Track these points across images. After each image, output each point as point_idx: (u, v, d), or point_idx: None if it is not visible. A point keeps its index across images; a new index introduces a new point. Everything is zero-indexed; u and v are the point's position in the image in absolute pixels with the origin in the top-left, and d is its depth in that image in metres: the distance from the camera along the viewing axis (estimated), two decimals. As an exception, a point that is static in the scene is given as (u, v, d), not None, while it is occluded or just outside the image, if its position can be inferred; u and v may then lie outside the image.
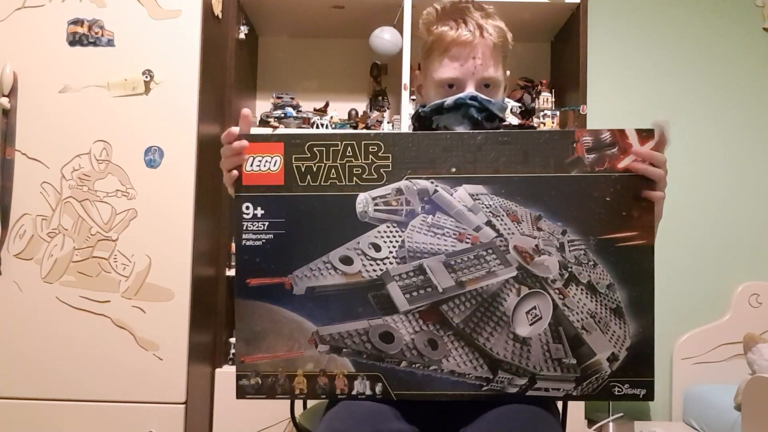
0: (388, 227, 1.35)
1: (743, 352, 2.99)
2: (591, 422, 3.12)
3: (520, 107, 3.10)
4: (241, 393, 1.36)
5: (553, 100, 3.15)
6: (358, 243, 1.34)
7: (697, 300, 3.44)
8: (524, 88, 3.20)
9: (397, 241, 1.34)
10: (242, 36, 3.04)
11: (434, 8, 1.71)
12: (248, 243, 1.36)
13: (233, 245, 2.84)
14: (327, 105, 3.26)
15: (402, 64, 2.95)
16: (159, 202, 2.49)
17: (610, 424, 3.11)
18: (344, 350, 1.33)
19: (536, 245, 1.34)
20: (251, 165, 1.37)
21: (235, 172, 1.39)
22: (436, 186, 1.35)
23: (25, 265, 2.48)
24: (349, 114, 3.27)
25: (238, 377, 1.36)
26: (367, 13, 3.11)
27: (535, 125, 3.04)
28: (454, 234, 1.34)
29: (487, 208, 1.34)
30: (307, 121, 3.11)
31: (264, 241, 1.36)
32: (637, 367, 1.33)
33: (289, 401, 1.76)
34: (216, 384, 2.85)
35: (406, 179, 1.35)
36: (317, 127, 3.11)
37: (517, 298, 1.32)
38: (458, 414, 1.39)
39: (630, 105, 3.50)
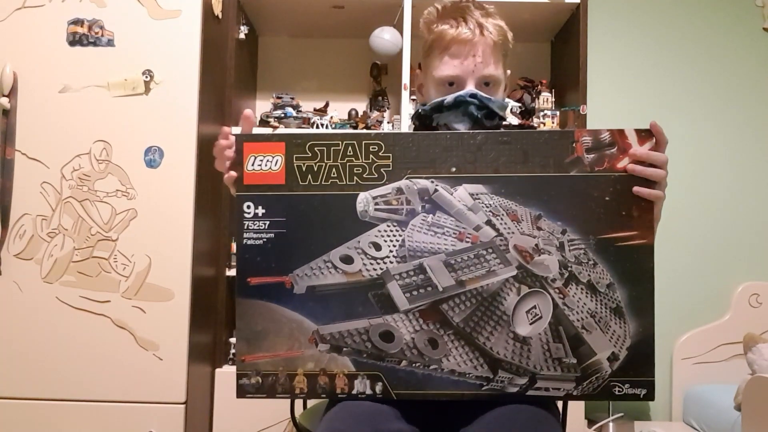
0: (389, 226, 1.35)
1: (743, 352, 2.99)
2: (591, 422, 3.12)
3: (520, 107, 3.10)
4: (242, 392, 1.36)
5: (553, 100, 3.15)
6: (359, 242, 1.35)
7: (697, 300, 3.44)
8: (524, 88, 3.20)
9: (397, 240, 1.34)
10: (242, 36, 3.04)
11: (435, 8, 1.72)
12: (249, 242, 1.36)
13: (233, 245, 2.86)
14: (327, 105, 3.26)
15: (402, 64, 2.95)
16: (159, 202, 2.49)
17: (610, 424, 3.11)
18: (344, 349, 1.33)
19: (536, 244, 1.34)
20: (252, 164, 1.38)
21: (233, 171, 1.40)
22: (437, 185, 1.35)
23: (25, 265, 2.48)
24: (349, 114, 3.27)
25: (239, 376, 1.36)
26: (367, 13, 3.11)
27: (535, 125, 3.04)
28: (454, 233, 1.34)
29: (487, 207, 1.35)
30: (307, 121, 3.12)
31: (265, 240, 1.36)
32: (638, 367, 1.33)
33: (289, 401, 1.76)
34: (216, 384, 2.85)
35: (407, 179, 1.36)
36: (317, 127, 3.11)
37: (517, 298, 1.33)
38: (458, 414, 1.39)
39: (630, 105, 3.50)
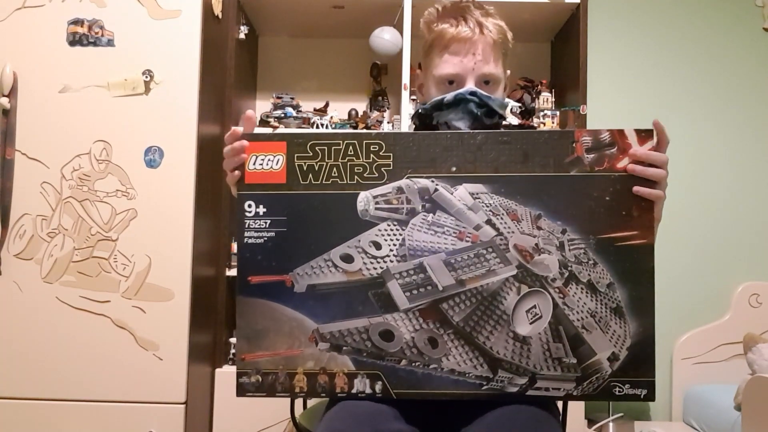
0: (389, 225, 1.35)
1: (743, 352, 2.99)
2: (591, 422, 3.12)
3: (520, 107, 3.10)
4: (242, 391, 1.36)
5: (553, 100, 3.15)
6: (359, 241, 1.35)
7: (697, 300, 3.44)
8: (524, 88, 3.20)
9: (397, 240, 1.34)
10: (242, 36, 3.04)
11: (435, 8, 1.73)
12: (250, 240, 1.37)
13: (233, 245, 2.86)
14: (327, 105, 3.26)
15: (402, 64, 2.95)
16: (159, 202, 2.49)
17: (610, 424, 3.11)
18: (344, 348, 1.33)
19: (536, 244, 1.34)
20: (254, 164, 1.38)
21: (237, 172, 1.41)
22: (437, 185, 1.36)
23: (25, 265, 2.48)
24: (349, 114, 3.27)
25: (239, 375, 1.36)
26: (367, 13, 3.11)
27: (535, 125, 3.04)
28: (454, 232, 1.35)
29: (487, 206, 1.35)
30: (307, 121, 3.12)
31: (266, 238, 1.36)
32: (638, 367, 1.33)
33: (288, 401, 1.76)
34: (216, 384, 2.85)
35: (407, 178, 1.36)
36: (317, 127, 3.11)
37: (517, 297, 1.32)
38: (458, 414, 1.39)
39: (630, 105, 3.50)
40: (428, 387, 1.33)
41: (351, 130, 3.12)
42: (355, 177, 1.36)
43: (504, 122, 1.75)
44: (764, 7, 3.55)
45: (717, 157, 3.52)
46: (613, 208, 1.34)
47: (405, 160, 1.36)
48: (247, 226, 1.37)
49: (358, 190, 1.36)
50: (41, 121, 2.49)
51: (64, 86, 2.50)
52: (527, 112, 3.10)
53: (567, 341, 1.32)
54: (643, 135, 1.35)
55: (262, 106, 3.38)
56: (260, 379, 1.36)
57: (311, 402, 1.93)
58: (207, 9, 2.63)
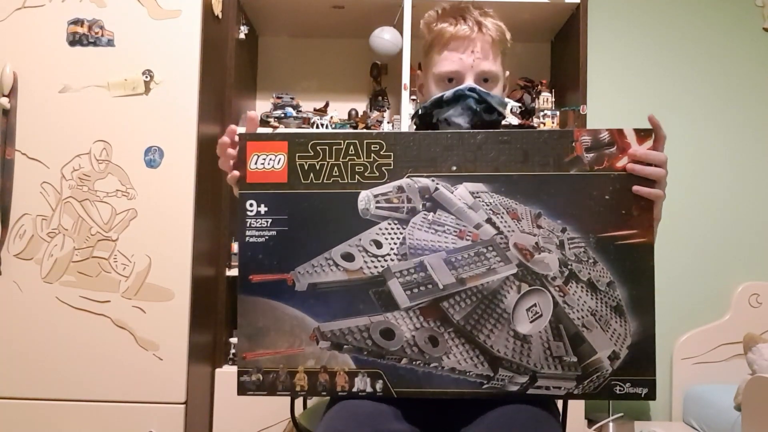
0: (390, 224, 1.35)
1: (743, 352, 3.00)
2: (591, 422, 3.12)
3: (520, 107, 3.10)
4: (242, 389, 1.37)
5: (553, 100, 3.15)
6: (360, 240, 1.35)
7: (697, 300, 3.45)
8: (524, 88, 3.20)
9: (398, 238, 1.35)
10: (242, 36, 3.04)
11: (435, 10, 1.75)
12: (251, 239, 1.37)
13: (233, 245, 2.86)
14: (327, 105, 3.26)
15: (402, 64, 2.95)
16: (159, 202, 2.49)
17: (610, 424, 3.11)
18: (345, 347, 1.34)
19: (536, 243, 1.34)
20: (255, 163, 1.39)
21: (237, 171, 1.41)
22: (437, 184, 1.36)
23: (25, 265, 2.48)
24: (349, 114, 3.27)
25: (240, 373, 1.36)
26: (367, 13, 3.12)
27: (535, 125, 3.05)
28: (454, 231, 1.35)
29: (488, 205, 1.35)
30: (307, 121, 3.12)
31: (267, 237, 1.37)
32: (639, 366, 1.33)
33: (288, 400, 1.76)
34: (216, 384, 2.85)
35: (408, 177, 1.37)
36: (317, 127, 3.11)
37: (517, 296, 1.33)
38: (458, 414, 1.40)
39: (630, 105, 3.50)
40: (429, 386, 1.34)
41: (352, 130, 3.12)
42: (356, 176, 1.37)
43: (504, 122, 1.77)
44: (764, 7, 3.55)
45: (717, 157, 3.52)
46: (612, 207, 1.34)
47: (405, 159, 1.37)
48: (248, 225, 1.38)
49: (358, 189, 1.37)
50: (41, 121, 2.49)
51: (64, 86, 2.50)
52: (527, 112, 3.10)
53: (567, 340, 1.32)
54: (642, 134, 1.36)
55: (262, 106, 3.38)
56: (261, 378, 1.36)
57: (311, 402, 1.93)
58: (207, 9, 2.63)
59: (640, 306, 1.33)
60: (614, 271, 1.33)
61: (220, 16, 2.82)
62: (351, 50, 3.45)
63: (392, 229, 1.35)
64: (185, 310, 2.49)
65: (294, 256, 1.36)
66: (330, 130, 3.06)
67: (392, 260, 1.34)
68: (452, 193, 1.36)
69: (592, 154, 1.35)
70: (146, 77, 2.51)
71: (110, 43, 2.53)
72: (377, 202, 1.36)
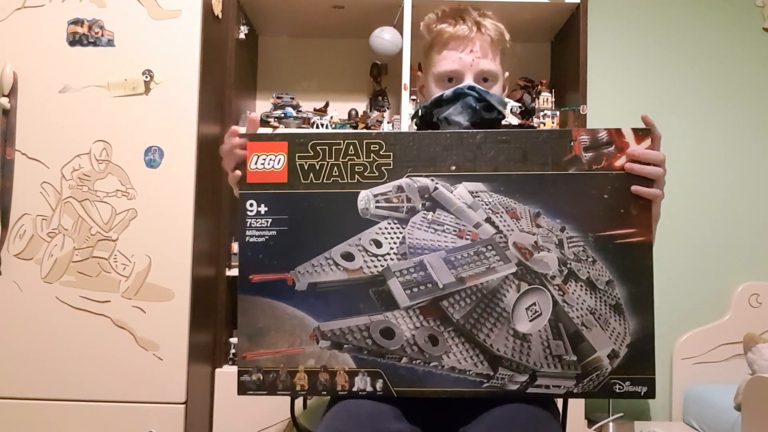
0: (389, 224, 1.36)
1: (743, 352, 2.99)
2: (591, 422, 3.12)
3: (520, 107, 3.10)
4: (243, 389, 1.37)
5: (553, 100, 3.15)
6: (360, 239, 1.36)
7: (697, 300, 3.44)
8: (524, 88, 3.20)
9: (397, 238, 1.35)
10: (242, 36, 3.04)
11: (435, 13, 1.77)
12: (251, 239, 1.38)
13: (233, 245, 2.86)
14: (327, 105, 3.26)
15: (402, 64, 2.95)
16: (159, 202, 2.49)
17: (610, 424, 3.11)
18: (345, 346, 1.34)
19: (535, 242, 1.35)
20: (255, 163, 1.40)
21: (238, 171, 1.42)
22: (437, 183, 1.37)
23: (25, 265, 2.48)
24: (349, 114, 3.27)
25: (240, 373, 1.37)
26: (367, 13, 3.12)
27: (535, 125, 3.05)
28: (454, 231, 1.35)
29: (487, 205, 1.36)
30: (307, 121, 3.12)
31: (267, 237, 1.38)
32: (638, 365, 1.33)
33: (288, 400, 1.76)
34: (216, 384, 2.84)
35: (407, 177, 1.37)
36: (317, 127, 3.11)
37: (516, 294, 1.33)
38: (458, 414, 1.40)
39: (630, 105, 3.50)
40: (429, 385, 1.34)
41: (351, 130, 3.13)
42: (356, 176, 1.38)
43: (504, 122, 1.78)
44: (764, 7, 3.55)
45: (717, 157, 3.52)
46: (611, 206, 1.35)
47: (405, 159, 1.38)
48: (248, 225, 1.39)
49: (358, 189, 1.37)
50: (41, 121, 2.49)
51: (64, 86, 2.50)
52: (527, 112, 3.10)
53: (567, 338, 1.33)
54: (640, 134, 1.37)
55: (262, 106, 3.38)
56: (261, 378, 1.36)
57: (311, 402, 1.93)
58: (207, 9, 2.63)
59: (640, 305, 1.34)
60: (613, 270, 1.34)
61: (220, 16, 2.82)
62: (351, 50, 3.45)
63: (392, 228, 1.36)
64: (185, 310, 2.49)
65: (294, 256, 1.37)
66: (330, 131, 3.06)
67: (392, 259, 1.35)
68: (451, 192, 1.36)
69: (591, 154, 1.36)
70: (146, 77, 2.51)
71: (110, 43, 2.52)
72: (377, 201, 1.37)
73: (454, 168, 1.37)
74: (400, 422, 1.36)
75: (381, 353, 1.33)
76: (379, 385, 1.34)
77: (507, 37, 1.75)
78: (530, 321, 1.33)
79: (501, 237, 1.35)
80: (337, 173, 1.38)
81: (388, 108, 3.34)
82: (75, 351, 2.45)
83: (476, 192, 1.36)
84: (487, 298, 1.33)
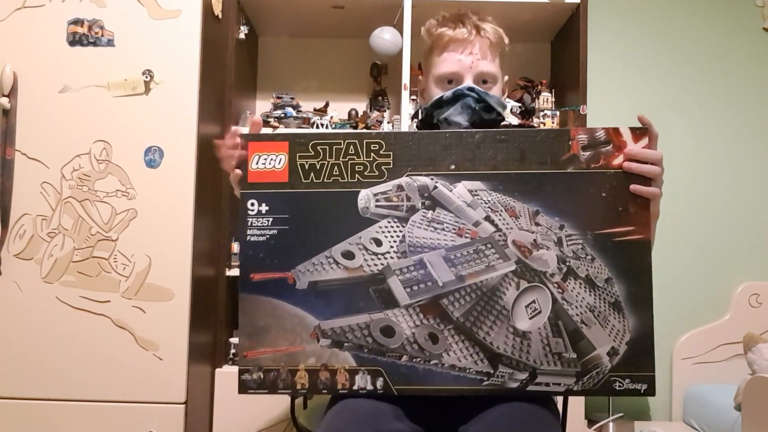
0: (389, 222, 1.37)
1: (743, 352, 2.99)
2: (591, 422, 3.12)
3: (520, 107, 3.11)
4: (243, 387, 1.38)
5: (553, 100, 3.15)
6: (360, 238, 1.37)
7: (697, 300, 3.44)
8: (524, 88, 3.20)
9: (397, 236, 1.36)
10: (242, 36, 3.04)
11: (435, 18, 1.80)
12: (252, 238, 1.39)
13: (233, 245, 2.86)
14: (327, 105, 3.26)
15: (402, 64, 2.95)
16: (159, 202, 2.49)
17: (610, 424, 3.11)
18: (345, 344, 1.34)
19: (534, 240, 1.35)
20: (256, 163, 1.41)
21: (239, 170, 1.43)
22: (436, 182, 1.38)
23: (25, 265, 2.48)
24: (349, 114, 3.27)
25: (241, 372, 1.37)
26: (367, 13, 3.12)
27: (535, 125, 3.05)
28: (453, 229, 1.36)
29: (486, 203, 1.36)
30: (307, 121, 3.12)
31: (268, 236, 1.39)
32: (638, 362, 1.34)
33: (288, 400, 1.77)
34: (216, 384, 2.84)
35: (407, 176, 1.38)
36: (317, 127, 3.11)
37: (516, 292, 1.34)
38: (459, 413, 1.40)
39: (630, 105, 3.50)
40: (429, 383, 1.35)
41: (352, 130, 3.13)
42: (356, 175, 1.39)
43: (504, 122, 1.80)
44: (764, 7, 3.55)
45: (717, 157, 3.52)
46: (609, 204, 1.36)
47: (405, 158, 1.39)
48: (249, 224, 1.40)
49: (358, 188, 1.39)
50: (41, 121, 2.49)
51: (64, 86, 2.50)
52: (527, 112, 3.10)
53: (566, 336, 1.33)
54: (638, 133, 1.39)
55: (262, 106, 3.38)
56: (262, 376, 1.37)
57: (311, 402, 1.93)
58: (207, 9, 2.63)
59: (639, 302, 1.34)
60: (612, 268, 1.34)
61: (220, 16, 2.82)
62: (351, 50, 3.45)
63: (392, 227, 1.37)
64: (185, 310, 2.49)
65: (295, 255, 1.38)
66: (330, 131, 3.06)
67: (392, 258, 1.36)
68: (451, 191, 1.37)
69: (589, 153, 1.37)
70: (146, 77, 2.51)
71: (110, 43, 2.52)
72: (377, 200, 1.37)
73: (453, 167, 1.38)
74: (401, 422, 1.37)
75: (381, 351, 1.34)
76: (379, 383, 1.35)
77: (506, 40, 1.78)
78: (530, 319, 1.33)
79: (500, 235, 1.36)
80: (337, 173, 1.39)
81: (388, 108, 3.34)
82: (75, 351, 2.45)
83: (475, 191, 1.37)
84: (487, 296, 1.33)
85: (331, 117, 3.17)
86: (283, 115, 3.10)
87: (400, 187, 1.38)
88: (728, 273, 3.46)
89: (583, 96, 2.93)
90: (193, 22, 2.55)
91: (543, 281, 1.34)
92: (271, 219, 1.39)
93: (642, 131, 1.38)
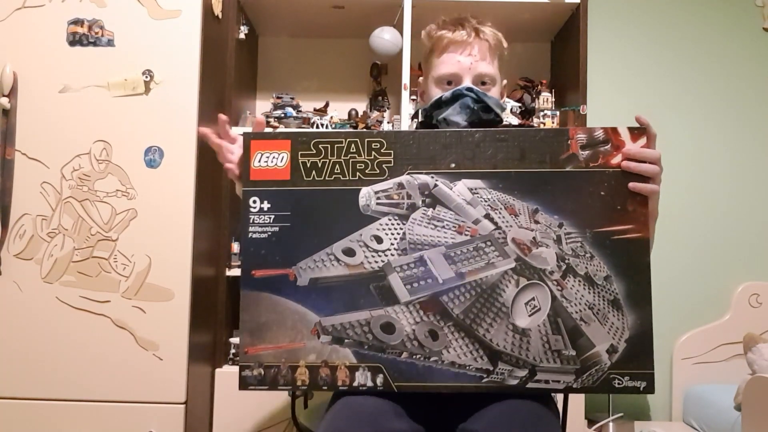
0: (390, 220, 1.37)
1: (743, 352, 2.99)
2: (591, 422, 3.12)
3: (520, 107, 3.11)
4: (244, 384, 1.38)
5: (553, 100, 3.15)
6: (361, 235, 1.38)
7: (697, 300, 3.45)
8: (524, 88, 3.21)
9: (398, 234, 1.37)
10: (242, 36, 3.04)
11: (435, 22, 1.82)
12: (254, 235, 1.40)
13: (233, 245, 2.86)
14: (327, 105, 3.27)
15: (402, 64, 2.95)
16: (159, 202, 2.49)
17: (610, 424, 3.11)
18: (346, 341, 1.35)
19: (534, 237, 1.36)
20: (259, 161, 1.43)
21: (232, 166, 1.45)
22: (436, 180, 1.39)
23: (25, 265, 2.48)
24: (349, 114, 3.27)
25: (241, 368, 1.38)
26: (367, 13, 3.12)
27: (535, 125, 3.05)
28: (453, 226, 1.37)
29: (486, 201, 1.37)
30: (307, 121, 3.12)
31: (270, 233, 1.40)
32: (637, 359, 1.34)
33: (289, 400, 1.77)
34: (216, 384, 2.84)
35: (407, 174, 1.39)
36: (317, 127, 3.11)
37: (516, 289, 1.34)
38: (459, 412, 1.40)
39: (630, 105, 3.50)
40: (429, 380, 1.35)
41: (353, 129, 3.13)
42: (357, 173, 1.41)
43: (503, 123, 1.82)
44: (764, 7, 3.56)
45: (717, 157, 3.52)
46: (608, 202, 1.37)
47: (405, 157, 1.40)
48: (251, 221, 1.41)
49: (359, 186, 1.40)
50: (41, 121, 2.49)
51: (64, 86, 2.50)
52: (527, 112, 3.11)
53: (566, 333, 1.34)
54: (636, 132, 1.40)
55: (262, 106, 3.38)
56: (263, 373, 1.37)
57: (312, 401, 1.93)
58: (207, 9, 2.63)
59: (638, 300, 1.35)
60: (611, 266, 1.35)
61: (220, 16, 2.82)
62: (351, 50, 3.45)
63: (392, 224, 1.37)
64: (185, 310, 2.49)
65: (296, 252, 1.39)
66: (331, 130, 3.07)
67: (392, 255, 1.36)
68: (451, 189, 1.38)
69: (588, 152, 1.38)
70: (146, 77, 2.51)
71: (110, 43, 2.53)
72: (378, 198, 1.38)
73: (453, 165, 1.39)
74: (402, 421, 1.37)
75: (381, 348, 1.35)
76: (379, 380, 1.35)
77: (505, 44, 1.80)
78: (529, 316, 1.34)
79: (500, 233, 1.36)
80: (338, 171, 1.41)
81: (388, 108, 3.34)
82: (75, 351, 2.45)
83: (475, 189, 1.38)
84: (487, 293, 1.34)
85: (331, 117, 3.17)
86: (283, 115, 3.10)
87: (400, 185, 1.39)
88: (728, 273, 3.46)
89: (583, 96, 2.93)
90: (193, 22, 2.55)
91: (542, 279, 1.35)
92: (272, 216, 1.40)
93: (640, 131, 1.40)
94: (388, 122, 3.18)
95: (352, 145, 1.41)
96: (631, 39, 3.57)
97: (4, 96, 2.45)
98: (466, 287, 1.35)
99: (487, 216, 1.37)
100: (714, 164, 3.52)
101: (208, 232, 2.72)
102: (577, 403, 2.73)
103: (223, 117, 1.61)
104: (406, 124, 2.88)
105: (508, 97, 3.04)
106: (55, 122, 2.49)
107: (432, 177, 1.39)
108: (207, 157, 2.58)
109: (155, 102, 2.51)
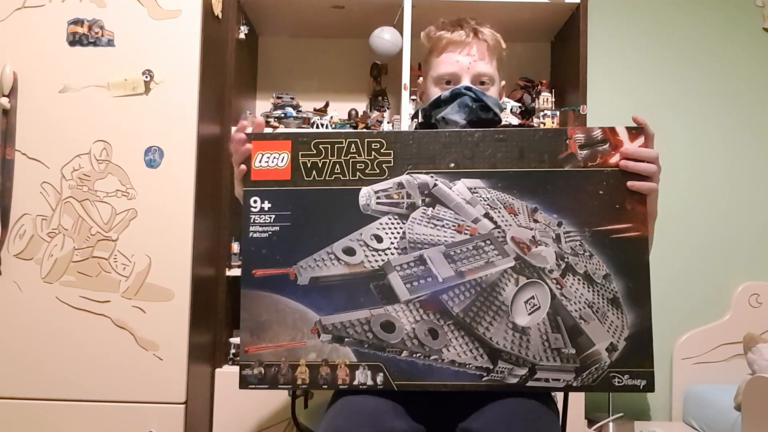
0: (390, 219, 1.38)
1: (743, 352, 3.00)
2: (591, 422, 3.12)
3: (520, 107, 3.11)
4: (244, 383, 1.39)
5: (553, 100, 3.15)
6: (361, 234, 1.38)
7: (697, 300, 3.45)
8: (524, 88, 3.21)
9: (398, 233, 1.38)
10: (242, 36, 3.05)
11: (434, 24, 1.83)
12: (255, 235, 1.41)
13: (233, 245, 2.86)
14: (327, 105, 3.27)
15: (402, 64, 2.95)
16: (159, 202, 2.49)
17: (610, 424, 3.11)
18: (346, 340, 1.36)
19: (533, 236, 1.37)
20: (260, 161, 1.44)
21: (243, 166, 1.46)
22: (436, 180, 1.40)
23: (25, 265, 2.48)
24: (349, 114, 3.27)
25: (242, 367, 1.39)
26: (367, 13, 3.12)
27: (535, 125, 3.05)
28: (453, 226, 1.37)
29: (485, 200, 1.38)
30: (307, 121, 3.12)
31: (270, 233, 1.41)
32: (637, 358, 1.35)
33: (289, 400, 1.77)
34: (216, 384, 2.84)
35: (407, 174, 1.40)
36: (317, 127, 3.11)
37: (515, 288, 1.35)
38: (458, 411, 1.41)
39: (630, 105, 3.50)
40: (429, 378, 1.36)
41: (353, 130, 3.13)
42: (357, 173, 1.42)
43: (503, 123, 1.83)
44: (764, 7, 3.56)
45: (717, 157, 3.52)
46: (606, 201, 1.38)
47: (405, 157, 1.41)
48: (252, 221, 1.42)
49: (360, 186, 1.41)
50: (41, 121, 2.49)
51: (64, 86, 2.51)
52: (527, 112, 3.11)
53: (565, 331, 1.34)
54: (634, 132, 1.42)
55: (262, 106, 3.39)
56: (263, 371, 1.38)
57: (312, 401, 1.93)
58: (207, 9, 2.64)
59: (637, 298, 1.36)
60: (610, 264, 1.36)
61: (220, 16, 2.82)
62: (351, 50, 3.45)
63: (392, 223, 1.38)
64: (185, 310, 2.49)
65: (296, 251, 1.40)
66: (332, 130, 3.07)
67: (392, 254, 1.37)
68: (451, 188, 1.39)
69: (586, 152, 1.39)
70: (146, 77, 2.51)
71: (110, 43, 2.53)
72: (378, 197, 1.39)
73: (453, 165, 1.40)
74: (402, 420, 1.37)
75: (382, 347, 1.35)
76: (379, 378, 1.35)
77: (503, 45, 1.82)
78: (529, 314, 1.34)
79: (499, 232, 1.37)
80: (339, 171, 1.42)
81: (388, 108, 3.34)
82: (75, 351, 2.45)
83: (475, 188, 1.39)
84: (486, 292, 1.35)
85: (331, 117, 3.17)
86: (283, 115, 3.10)
87: (400, 185, 1.39)
88: (728, 273, 3.47)
89: (583, 96, 2.93)
90: (193, 22, 2.55)
91: (542, 277, 1.35)
92: (273, 216, 1.41)
93: (638, 131, 1.41)
94: (388, 122, 3.18)
95: (352, 146, 1.42)
96: (631, 39, 3.57)
97: (4, 96, 2.45)
98: (466, 286, 1.35)
99: (487, 215, 1.37)
100: (714, 164, 3.52)
101: (208, 232, 2.72)
102: (577, 402, 2.73)
103: (259, 120, 1.61)
104: (406, 124, 2.88)
105: (508, 97, 3.04)
106: (55, 122, 2.49)
107: (432, 176, 1.40)
108: (207, 157, 2.58)
109: (155, 102, 2.51)
